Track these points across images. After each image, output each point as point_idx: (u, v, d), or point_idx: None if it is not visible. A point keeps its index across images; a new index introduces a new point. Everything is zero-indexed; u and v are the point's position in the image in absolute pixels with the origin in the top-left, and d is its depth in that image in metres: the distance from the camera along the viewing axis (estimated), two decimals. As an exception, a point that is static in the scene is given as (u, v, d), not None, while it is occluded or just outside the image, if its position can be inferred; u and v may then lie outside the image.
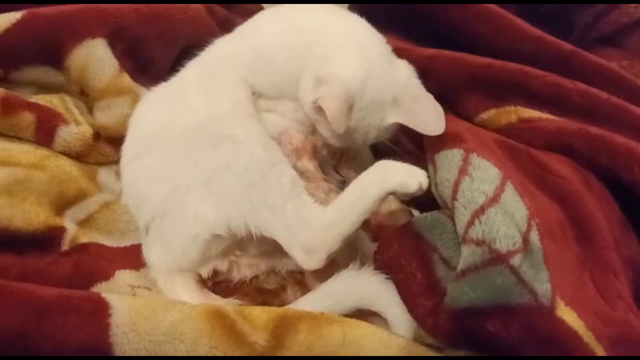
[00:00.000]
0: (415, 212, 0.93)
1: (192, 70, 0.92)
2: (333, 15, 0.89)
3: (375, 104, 0.81)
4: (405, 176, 0.72)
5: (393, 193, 0.73)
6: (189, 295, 0.77)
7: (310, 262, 0.72)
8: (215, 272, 0.80)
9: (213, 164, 0.75)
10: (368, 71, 0.81)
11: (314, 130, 0.87)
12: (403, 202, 0.94)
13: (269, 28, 0.90)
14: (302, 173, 0.81)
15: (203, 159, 0.76)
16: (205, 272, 0.79)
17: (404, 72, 0.86)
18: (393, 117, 0.82)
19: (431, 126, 0.79)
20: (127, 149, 0.88)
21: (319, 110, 0.79)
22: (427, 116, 0.80)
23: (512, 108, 0.92)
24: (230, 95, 0.85)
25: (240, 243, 0.78)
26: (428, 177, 0.73)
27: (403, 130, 0.89)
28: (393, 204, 0.93)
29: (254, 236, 0.74)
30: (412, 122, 0.81)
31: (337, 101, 0.77)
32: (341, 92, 0.78)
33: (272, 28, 0.90)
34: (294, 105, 0.86)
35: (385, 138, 0.87)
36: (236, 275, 0.81)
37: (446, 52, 0.99)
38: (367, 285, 0.74)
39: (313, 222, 0.72)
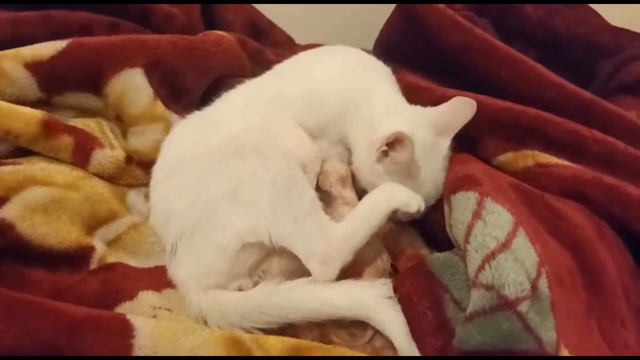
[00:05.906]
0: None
1: (235, 102, 0.97)
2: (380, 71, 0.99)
3: (429, 147, 0.88)
4: (408, 197, 0.82)
5: (397, 210, 0.81)
6: None
7: (326, 273, 0.77)
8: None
9: (240, 174, 0.81)
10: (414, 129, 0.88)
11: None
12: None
13: (323, 71, 0.97)
14: (343, 198, 0.89)
15: (231, 170, 0.82)
16: (231, 289, 0.82)
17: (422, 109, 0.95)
18: (445, 143, 0.91)
19: (467, 115, 0.91)
20: (158, 171, 0.93)
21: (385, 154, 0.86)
22: (458, 112, 0.91)
23: (530, 152, 0.95)
24: (298, 136, 0.91)
25: (264, 260, 0.82)
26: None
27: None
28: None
29: (276, 247, 0.78)
30: (456, 127, 0.91)
31: (406, 140, 0.83)
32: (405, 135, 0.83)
33: (327, 71, 0.96)
34: (328, 146, 0.94)
35: None
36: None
37: (468, 94, 1.02)
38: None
39: (330, 235, 0.78)
